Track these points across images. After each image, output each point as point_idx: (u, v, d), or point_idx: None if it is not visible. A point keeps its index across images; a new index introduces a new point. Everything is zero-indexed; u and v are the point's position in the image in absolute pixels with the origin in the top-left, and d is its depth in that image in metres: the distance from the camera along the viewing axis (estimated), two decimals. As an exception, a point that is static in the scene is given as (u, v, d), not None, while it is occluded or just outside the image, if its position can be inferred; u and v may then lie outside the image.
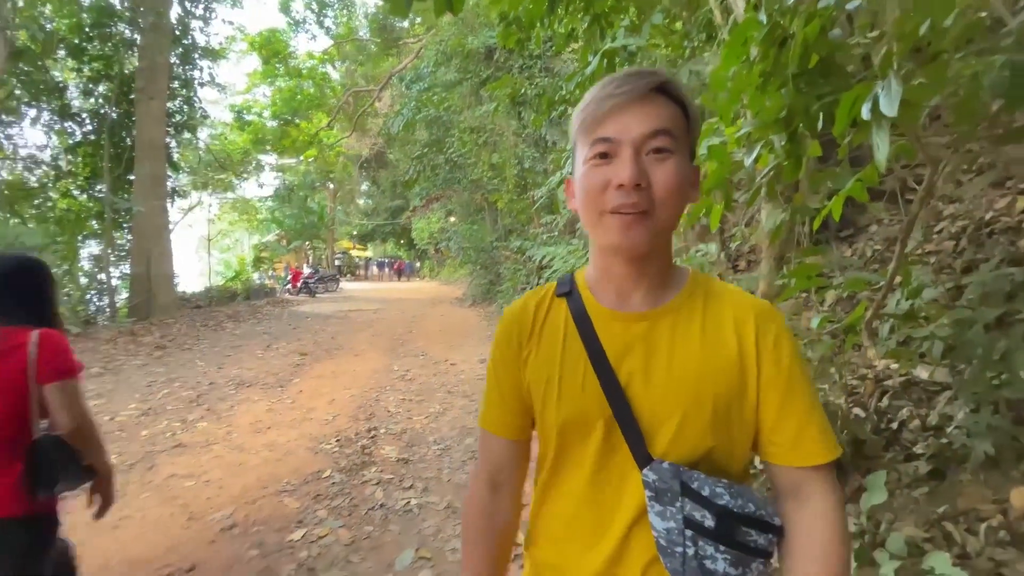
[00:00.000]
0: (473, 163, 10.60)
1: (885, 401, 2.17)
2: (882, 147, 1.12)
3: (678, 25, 3.62)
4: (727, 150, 1.71)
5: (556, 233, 7.59)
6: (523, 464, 0.78)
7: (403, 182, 16.85)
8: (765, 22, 1.33)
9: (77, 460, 1.39)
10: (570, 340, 0.69)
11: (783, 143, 1.52)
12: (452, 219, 20.20)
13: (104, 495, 1.55)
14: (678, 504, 0.60)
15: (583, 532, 0.68)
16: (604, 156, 0.62)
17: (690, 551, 0.59)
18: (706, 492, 0.60)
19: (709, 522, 0.59)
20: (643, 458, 0.63)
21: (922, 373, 2.10)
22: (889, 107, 1.02)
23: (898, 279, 2.00)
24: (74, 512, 2.19)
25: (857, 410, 2.13)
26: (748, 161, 1.51)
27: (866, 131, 1.33)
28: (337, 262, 32.65)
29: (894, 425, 2.03)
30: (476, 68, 9.51)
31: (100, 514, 1.56)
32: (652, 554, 0.63)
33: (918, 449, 1.87)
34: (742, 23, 1.43)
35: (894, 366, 2.20)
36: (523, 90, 5.48)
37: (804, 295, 2.80)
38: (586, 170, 0.64)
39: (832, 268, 2.68)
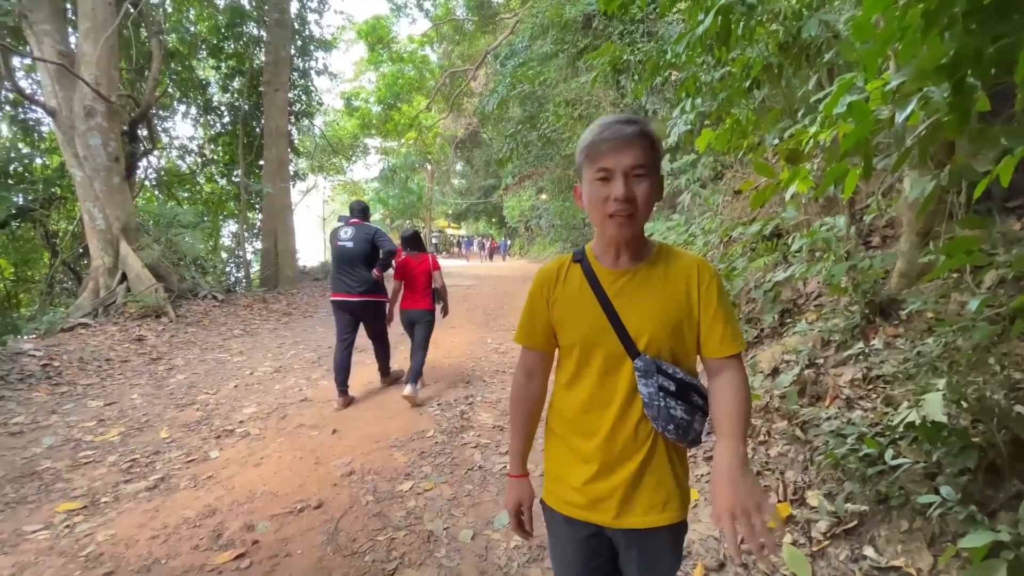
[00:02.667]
0: (568, 138, 10.42)
1: (1060, 400, 1.85)
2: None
3: (805, -30, 3.22)
4: (869, 107, 1.52)
5: (655, 208, 7.27)
6: (548, 363, 1.20)
7: (496, 161, 17.04)
8: (930, -48, 1.14)
9: (443, 295, 4.46)
10: (584, 289, 1.07)
11: (945, 95, 1.31)
12: (543, 196, 20.14)
13: (445, 310, 4.52)
14: (654, 378, 1.01)
15: (600, 402, 1.06)
16: (604, 179, 0.98)
17: (661, 404, 1.01)
18: (670, 371, 1.02)
19: (672, 387, 1.01)
20: (633, 353, 1.03)
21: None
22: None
23: (1089, 256, 1.66)
24: (232, 456, 2.57)
25: (1020, 408, 1.83)
26: (899, 118, 1.32)
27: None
28: (434, 240, 34.13)
29: (1071, 428, 1.72)
30: (573, 38, 9.22)
31: (444, 315, 4.53)
32: (641, 413, 1.03)
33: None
34: (899, -43, 1.24)
35: (1075, 359, 1.86)
36: (624, 57, 5.24)
37: (955, 275, 2.44)
38: (593, 187, 1.00)
39: (994, 244, 2.29)
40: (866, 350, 2.58)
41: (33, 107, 8.80)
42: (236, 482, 2.88)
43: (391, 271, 4.41)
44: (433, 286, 4.43)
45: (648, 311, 1.03)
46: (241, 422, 3.83)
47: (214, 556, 2.22)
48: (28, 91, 8.12)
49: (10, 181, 9.23)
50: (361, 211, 4.38)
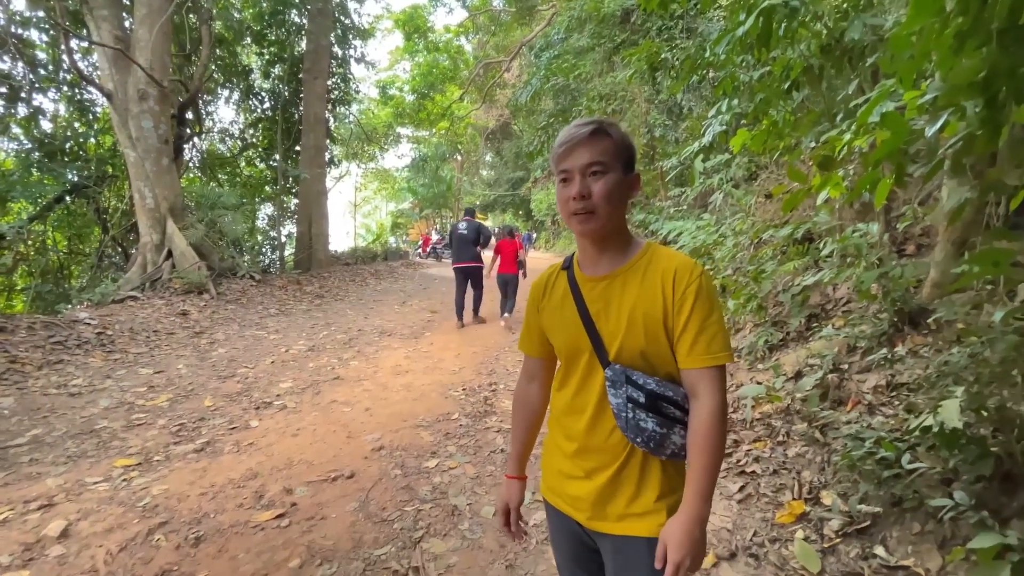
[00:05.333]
0: (600, 133, 10.34)
1: (1086, 415, 1.85)
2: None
3: (850, -29, 3.19)
4: (904, 118, 1.55)
5: (685, 207, 7.23)
6: (548, 369, 1.22)
7: (526, 153, 17.04)
8: (969, -29, 1.17)
9: (524, 265, 7.32)
10: (566, 297, 1.08)
11: (978, 110, 1.34)
12: (573, 190, 19.94)
13: (525, 275, 7.33)
14: (623, 388, 0.98)
15: (577, 408, 1.07)
16: (565, 180, 0.99)
17: (630, 415, 0.97)
18: (640, 381, 0.98)
19: (641, 399, 0.97)
20: (604, 362, 1.01)
21: None
22: None
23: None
24: (271, 426, 2.73)
25: (1044, 421, 1.84)
26: (930, 131, 1.36)
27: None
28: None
29: (1095, 443, 1.73)
30: (611, 32, 9.16)
31: (524, 277, 7.34)
32: (615, 421, 1.00)
33: None
34: (939, -26, 1.28)
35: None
36: (662, 55, 5.21)
37: (989, 286, 2.43)
38: (557, 189, 1.02)
39: (1030, 257, 2.27)
40: (890, 357, 2.59)
41: (88, 88, 9.25)
42: (275, 450, 3.08)
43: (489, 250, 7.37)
44: (519, 259, 7.06)
45: (620, 317, 1.00)
46: (278, 396, 4.06)
47: (257, 514, 2.41)
48: (86, 73, 8.55)
49: (66, 159, 9.76)
50: (471, 212, 7.39)
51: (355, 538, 2.26)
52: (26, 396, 3.85)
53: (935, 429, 1.80)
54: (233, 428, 3.43)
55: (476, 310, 7.21)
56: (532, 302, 1.17)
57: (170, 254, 7.71)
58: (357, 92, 16.27)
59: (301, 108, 12.59)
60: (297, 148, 12.87)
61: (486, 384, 4.47)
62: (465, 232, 6.88)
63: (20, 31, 8.77)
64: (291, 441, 3.22)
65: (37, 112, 9.46)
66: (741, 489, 2.47)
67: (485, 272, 7.08)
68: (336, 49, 13.79)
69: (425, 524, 2.38)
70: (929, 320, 2.65)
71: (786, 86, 3.42)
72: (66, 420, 3.50)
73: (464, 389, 4.31)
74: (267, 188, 13.93)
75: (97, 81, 7.95)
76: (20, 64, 8.80)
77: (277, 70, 13.14)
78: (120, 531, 2.24)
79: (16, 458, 2.93)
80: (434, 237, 21.31)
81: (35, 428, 3.33)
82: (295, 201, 13.42)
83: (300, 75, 12.55)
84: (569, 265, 1.11)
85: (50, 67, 9.43)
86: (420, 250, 20.59)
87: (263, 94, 13.44)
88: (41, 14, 8.56)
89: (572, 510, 1.07)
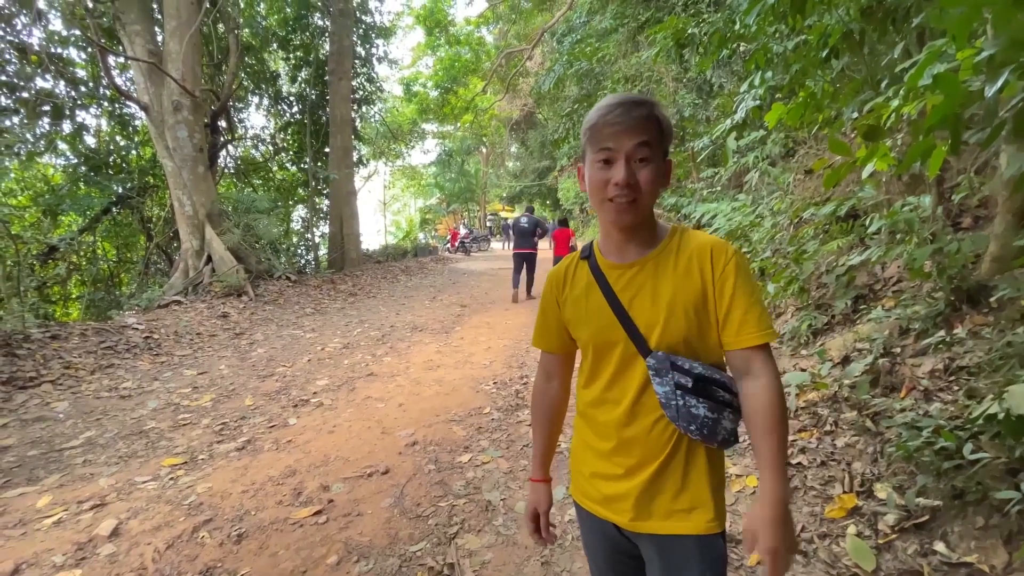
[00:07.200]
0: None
1: None
2: None
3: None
4: (958, 79, 1.41)
5: (719, 188, 6.97)
6: (567, 365, 1.17)
7: (551, 142, 16.83)
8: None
9: (575, 250, 5.58)
10: (591, 287, 1.02)
11: (1046, 64, 1.20)
12: (600, 177, 19.61)
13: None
14: (670, 375, 0.92)
15: (610, 402, 1.01)
16: (606, 162, 0.92)
17: (680, 403, 0.92)
18: (687, 366, 0.93)
19: (689, 384, 0.92)
20: (644, 351, 0.95)
21: None
22: None
23: None
24: (308, 423, 2.79)
25: None
26: (989, 91, 1.23)
27: None
28: (489, 223, 34.39)
29: None
30: (634, 11, 8.88)
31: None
32: (658, 412, 0.95)
33: None
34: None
35: None
36: (688, 31, 5.00)
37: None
38: (594, 170, 0.94)
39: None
40: (948, 339, 2.41)
41: (127, 102, 9.63)
42: (312, 447, 3.14)
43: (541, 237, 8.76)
44: (570, 245, 8.59)
45: (658, 303, 0.94)
46: (315, 393, 4.15)
47: (295, 511, 2.46)
48: (123, 88, 8.91)
49: (110, 171, 10.22)
50: (531, 209, 9.33)
51: (391, 534, 2.28)
52: (80, 399, 4.06)
53: (1000, 416, 1.66)
54: (272, 426, 3.52)
55: (529, 288, 8.65)
56: (549, 295, 1.10)
57: (210, 259, 7.99)
58: (381, 91, 16.40)
59: (328, 110, 12.78)
60: (326, 150, 13.10)
61: (517, 377, 4.44)
62: (526, 225, 8.60)
63: (60, 50, 9.21)
64: (328, 438, 3.28)
65: (81, 128, 9.93)
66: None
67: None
68: (359, 49, 13.92)
69: (460, 520, 2.38)
70: (990, 298, 2.45)
71: (824, 54, 3.22)
72: (117, 422, 3.67)
73: (495, 383, 4.29)
74: (299, 191, 14.26)
75: (134, 95, 8.27)
76: (62, 83, 9.23)
77: (303, 74, 13.38)
78: (167, 529, 2.33)
79: (71, 459, 3.09)
80: (462, 231, 21.39)
81: (89, 430, 3.51)
82: (327, 202, 13.69)
83: (326, 77, 12.73)
84: (589, 254, 1.05)
85: (90, 84, 9.86)
86: (449, 245, 20.73)
87: (291, 98, 13.72)
88: (78, 32, 8.94)
89: (609, 512, 1.00)
